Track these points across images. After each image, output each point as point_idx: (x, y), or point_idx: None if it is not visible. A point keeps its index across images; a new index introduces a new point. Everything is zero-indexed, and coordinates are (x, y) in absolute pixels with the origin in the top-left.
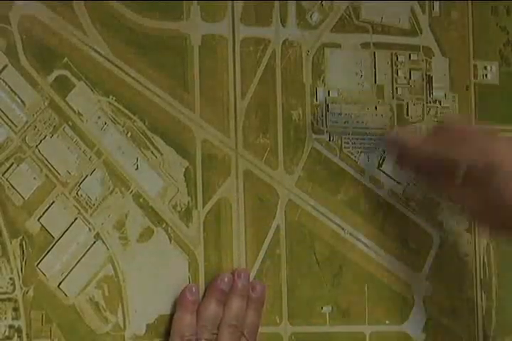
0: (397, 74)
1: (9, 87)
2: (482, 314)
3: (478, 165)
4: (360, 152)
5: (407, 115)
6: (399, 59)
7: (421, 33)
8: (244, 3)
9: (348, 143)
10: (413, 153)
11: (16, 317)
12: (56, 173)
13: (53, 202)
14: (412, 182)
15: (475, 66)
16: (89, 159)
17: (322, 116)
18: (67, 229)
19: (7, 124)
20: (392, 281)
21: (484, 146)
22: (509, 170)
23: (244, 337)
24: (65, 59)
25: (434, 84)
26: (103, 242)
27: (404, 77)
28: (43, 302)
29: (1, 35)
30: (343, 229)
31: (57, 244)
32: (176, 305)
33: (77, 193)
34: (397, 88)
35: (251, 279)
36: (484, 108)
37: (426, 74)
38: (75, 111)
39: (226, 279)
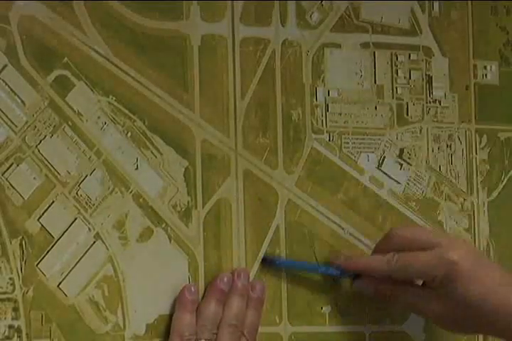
0: (397, 74)
1: (9, 86)
2: None
3: (438, 275)
4: (360, 152)
5: (407, 115)
6: (399, 59)
7: (421, 33)
8: (244, 3)
9: (347, 142)
10: (370, 275)
11: (16, 317)
12: (56, 173)
13: (53, 202)
14: (412, 181)
15: (475, 66)
16: (89, 159)
17: (322, 116)
18: (66, 229)
19: (7, 124)
20: None
21: (440, 255)
22: (467, 275)
23: (244, 337)
24: (65, 59)
25: (433, 84)
26: (103, 242)
27: (404, 77)
28: (42, 302)
29: (0, 35)
30: (342, 228)
31: (57, 243)
32: (175, 305)
33: (76, 193)
34: (396, 88)
35: (251, 279)
36: (484, 108)
37: (426, 74)
38: (74, 111)
39: (226, 279)
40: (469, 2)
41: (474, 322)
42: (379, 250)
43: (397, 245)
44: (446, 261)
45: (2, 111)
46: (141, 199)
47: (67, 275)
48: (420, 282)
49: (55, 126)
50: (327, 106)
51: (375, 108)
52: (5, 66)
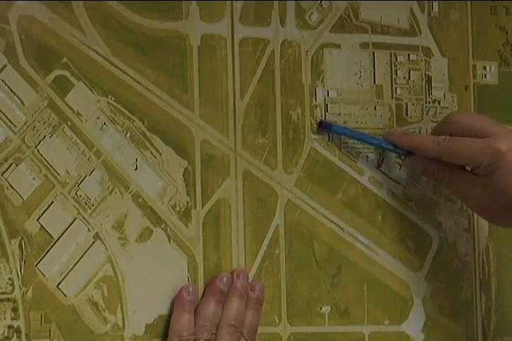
0: (397, 74)
1: (8, 87)
2: (481, 314)
3: (483, 162)
4: (359, 152)
5: (407, 115)
6: (398, 59)
7: (420, 33)
8: (243, 3)
9: (347, 143)
10: (421, 154)
11: (15, 318)
12: (55, 173)
13: (52, 202)
14: (411, 181)
15: (474, 66)
16: (89, 159)
17: (321, 116)
18: (66, 229)
19: (6, 124)
20: (391, 281)
21: (489, 143)
22: (511, 166)
23: (244, 338)
24: (64, 59)
25: (433, 84)
26: (102, 242)
27: (404, 77)
28: (42, 303)
29: (0, 35)
30: (342, 229)
31: (56, 244)
32: (174, 305)
33: (76, 193)
34: (396, 88)
35: (250, 279)
36: (483, 108)
37: (425, 75)
38: (74, 112)
39: (225, 279)
40: (469, 2)
41: (510, 214)
42: (436, 133)
43: (454, 130)
44: (493, 150)
45: (1, 112)
46: (140, 200)
47: (66, 275)
48: (468, 168)
49: (54, 126)
50: (326, 106)
51: (375, 108)
52: (4, 66)
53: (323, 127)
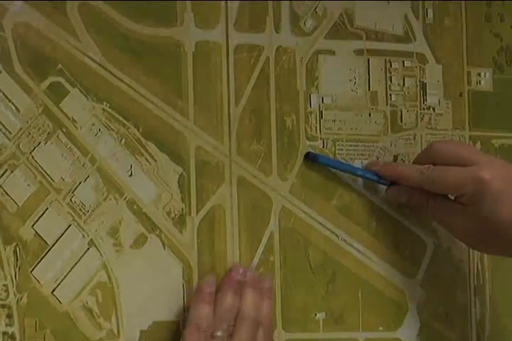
0: (391, 80)
1: (3, 93)
2: (476, 320)
3: (468, 191)
4: (354, 158)
5: (401, 122)
6: (393, 65)
7: (415, 40)
8: (238, 9)
9: (341, 149)
10: (404, 183)
11: (10, 324)
12: (50, 180)
13: (47, 208)
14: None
15: (469, 73)
16: (83, 166)
17: (316, 122)
18: (61, 236)
19: (1, 131)
20: (385, 287)
21: (473, 172)
22: (496, 194)
23: (262, 328)
24: (59, 66)
25: (427, 91)
26: (97, 249)
27: (398, 84)
28: (36, 309)
29: None
30: (336, 235)
31: (51, 250)
32: (170, 311)
33: (70, 200)
34: (390, 95)
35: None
36: (478, 115)
37: (420, 81)
38: (69, 118)
39: (241, 270)
40: (463, 9)
41: (499, 243)
42: (418, 162)
43: (437, 158)
44: (477, 179)
45: None
46: (135, 206)
47: (61, 281)
48: (452, 197)
49: (49, 132)
50: (321, 112)
51: (369, 115)
52: None
53: (310, 159)
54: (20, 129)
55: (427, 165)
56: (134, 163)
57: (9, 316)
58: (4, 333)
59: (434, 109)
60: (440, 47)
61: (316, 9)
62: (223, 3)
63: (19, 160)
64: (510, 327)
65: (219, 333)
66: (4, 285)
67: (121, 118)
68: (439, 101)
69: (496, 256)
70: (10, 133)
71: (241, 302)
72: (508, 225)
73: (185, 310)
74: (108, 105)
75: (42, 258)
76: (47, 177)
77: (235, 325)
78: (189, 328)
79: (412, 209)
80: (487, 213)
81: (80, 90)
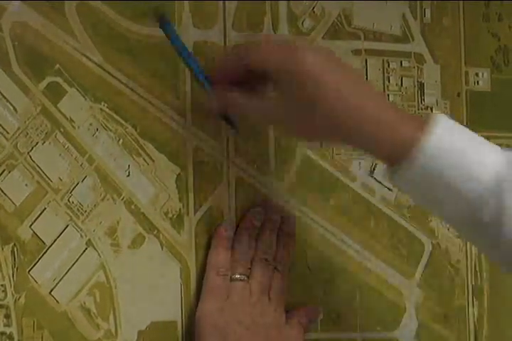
0: (389, 81)
1: (1, 93)
2: (474, 321)
3: (284, 74)
4: (352, 159)
5: None
6: (390, 66)
7: (412, 40)
8: (236, 9)
9: (339, 149)
10: (220, 65)
11: (8, 324)
12: (48, 180)
13: (45, 208)
14: None
15: (466, 73)
16: (81, 166)
17: None
18: (58, 236)
19: None
20: (383, 288)
21: (288, 55)
22: (316, 79)
23: (278, 272)
24: (57, 65)
25: (425, 91)
26: (95, 249)
27: (396, 84)
28: (34, 309)
29: None
30: (334, 235)
31: (48, 250)
32: (168, 311)
33: (68, 200)
34: (388, 95)
35: None
36: (476, 115)
37: (417, 81)
38: (66, 118)
39: (258, 214)
40: (461, 9)
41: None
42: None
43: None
44: (296, 59)
45: None
46: (132, 206)
47: (59, 282)
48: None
49: (47, 132)
50: None
51: None
52: None
53: (161, 22)
54: (18, 129)
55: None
56: (132, 163)
57: (7, 316)
58: (2, 333)
59: (432, 109)
60: (438, 47)
61: (314, 9)
62: (221, 3)
63: (17, 160)
64: (508, 327)
65: (237, 276)
66: (2, 285)
67: (118, 119)
68: (437, 101)
69: None
70: (8, 133)
71: (257, 244)
72: (328, 111)
73: (183, 310)
74: (106, 105)
75: (40, 259)
76: (45, 177)
77: (251, 268)
78: (210, 273)
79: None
80: (309, 98)
81: (78, 90)
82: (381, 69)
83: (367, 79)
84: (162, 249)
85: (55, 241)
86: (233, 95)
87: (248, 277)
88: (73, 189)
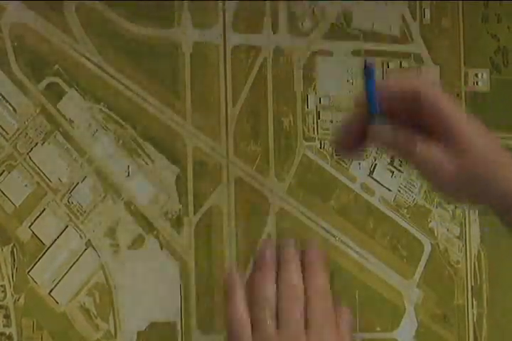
0: None
1: (0, 94)
2: (473, 321)
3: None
4: (351, 159)
5: None
6: (390, 66)
7: (412, 41)
8: (235, 10)
9: None
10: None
11: (7, 325)
12: (47, 180)
13: (44, 209)
14: (403, 188)
15: (466, 73)
16: (81, 166)
17: (313, 123)
18: (58, 237)
19: None
20: (383, 288)
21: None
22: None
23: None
24: (56, 66)
25: None
26: (94, 249)
27: None
28: (34, 310)
29: None
30: (334, 236)
31: (48, 251)
32: (167, 312)
33: (68, 200)
34: None
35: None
36: (475, 115)
37: None
38: (66, 119)
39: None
40: (460, 9)
41: (487, 189)
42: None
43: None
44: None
45: None
46: (132, 207)
47: (58, 282)
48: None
49: (46, 133)
50: (318, 113)
51: None
52: None
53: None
54: (18, 130)
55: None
56: (131, 164)
57: (6, 317)
58: (2, 334)
59: None
60: (437, 48)
61: (314, 10)
62: (221, 3)
63: (16, 161)
64: (507, 327)
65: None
66: (1, 285)
67: (118, 119)
68: None
69: (493, 255)
70: (7, 133)
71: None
72: (498, 165)
73: (183, 311)
74: (105, 106)
75: (39, 259)
76: (44, 177)
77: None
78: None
79: (397, 153)
80: (474, 165)
81: (77, 91)
82: (381, 70)
83: None
84: (161, 249)
85: (54, 241)
86: (407, 137)
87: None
88: (73, 189)
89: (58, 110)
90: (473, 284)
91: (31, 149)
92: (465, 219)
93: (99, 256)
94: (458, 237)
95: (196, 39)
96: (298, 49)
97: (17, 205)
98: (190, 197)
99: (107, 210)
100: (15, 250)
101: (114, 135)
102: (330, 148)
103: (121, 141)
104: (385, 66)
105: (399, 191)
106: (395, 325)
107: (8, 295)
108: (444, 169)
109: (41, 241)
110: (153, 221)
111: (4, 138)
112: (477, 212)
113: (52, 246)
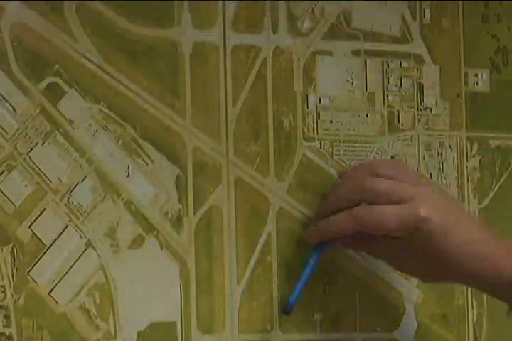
0: (388, 81)
1: (0, 94)
2: (473, 321)
3: (405, 232)
4: (351, 159)
5: (398, 122)
6: (390, 66)
7: (412, 41)
8: (235, 10)
9: (339, 150)
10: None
11: (7, 325)
12: (47, 180)
13: (44, 209)
14: None
15: (466, 73)
16: (81, 166)
17: (313, 123)
18: (58, 237)
19: None
20: (383, 288)
21: (410, 210)
22: (442, 226)
23: None
24: (56, 66)
25: (425, 92)
26: (94, 249)
27: (395, 85)
28: (33, 310)
29: None
30: None
31: (48, 251)
32: (168, 312)
33: (68, 200)
34: (388, 95)
35: (242, 286)
36: (475, 115)
37: (417, 82)
38: (66, 119)
39: None
40: (460, 9)
41: (442, 271)
42: (343, 197)
43: (368, 197)
44: (418, 217)
45: None
46: (132, 207)
47: (58, 282)
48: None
49: (46, 133)
50: (318, 113)
51: (366, 115)
52: None
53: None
54: (18, 130)
55: (355, 208)
56: (131, 164)
57: (6, 317)
58: (1, 334)
59: (431, 110)
60: (437, 48)
61: (314, 10)
62: (220, 3)
63: (16, 161)
64: (507, 327)
65: None
66: (1, 285)
67: (118, 119)
68: (437, 102)
69: None
70: (7, 133)
71: None
72: (455, 254)
73: (183, 311)
74: (105, 106)
75: (39, 259)
76: (44, 177)
77: None
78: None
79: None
80: (422, 247)
81: (77, 91)
82: (380, 70)
83: (366, 80)
84: (161, 249)
85: (54, 241)
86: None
87: None
88: (73, 189)
89: (58, 110)
90: None
91: (31, 149)
92: None
93: (99, 256)
94: None
95: (196, 39)
96: (298, 49)
97: (17, 205)
98: (190, 197)
99: (106, 210)
100: (15, 250)
101: (114, 135)
102: (330, 148)
103: (121, 141)
104: (385, 66)
105: None
106: (394, 325)
107: (8, 295)
108: (397, 257)
109: (41, 241)
110: (153, 221)
111: (4, 138)
112: (477, 212)
113: (52, 246)
